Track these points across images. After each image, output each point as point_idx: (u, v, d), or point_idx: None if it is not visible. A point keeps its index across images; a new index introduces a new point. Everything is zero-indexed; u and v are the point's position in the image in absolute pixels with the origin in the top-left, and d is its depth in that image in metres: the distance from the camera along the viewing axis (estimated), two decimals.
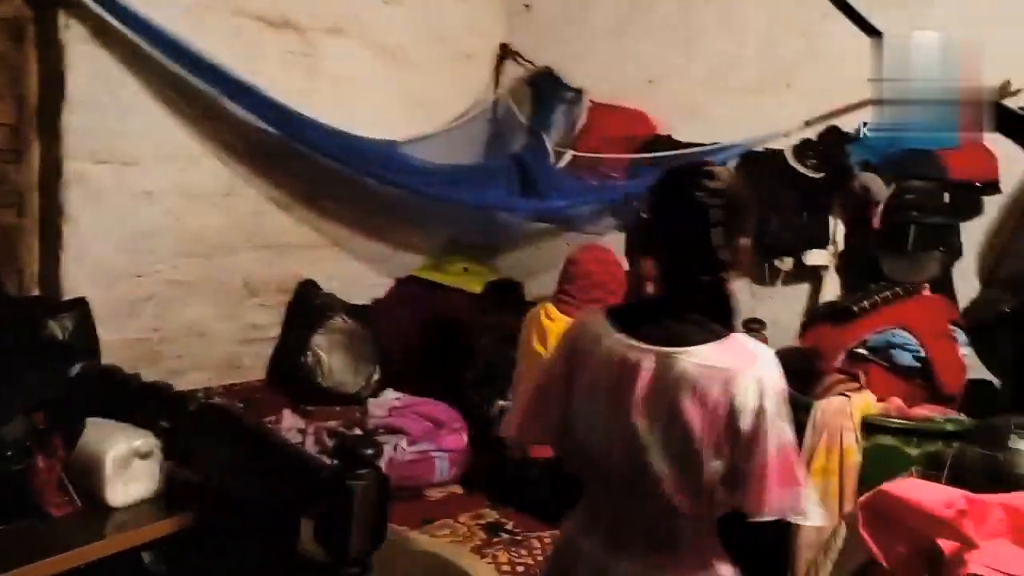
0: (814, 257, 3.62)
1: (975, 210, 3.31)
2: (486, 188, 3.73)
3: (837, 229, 3.56)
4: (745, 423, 1.39)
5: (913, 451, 2.94)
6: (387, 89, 3.95)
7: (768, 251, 3.66)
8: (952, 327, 3.09)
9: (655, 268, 1.61)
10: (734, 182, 1.49)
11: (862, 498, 1.88)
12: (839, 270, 3.62)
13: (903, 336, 3.03)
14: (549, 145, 4.02)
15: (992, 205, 3.30)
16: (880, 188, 3.35)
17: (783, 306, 3.82)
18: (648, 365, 1.43)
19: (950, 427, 2.95)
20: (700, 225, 1.42)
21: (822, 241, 3.59)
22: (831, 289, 3.63)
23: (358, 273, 4.01)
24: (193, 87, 3.17)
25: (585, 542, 1.55)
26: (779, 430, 1.41)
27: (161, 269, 3.26)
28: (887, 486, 1.87)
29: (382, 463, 2.77)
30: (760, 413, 1.39)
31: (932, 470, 2.71)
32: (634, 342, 1.46)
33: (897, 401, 2.91)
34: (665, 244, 1.51)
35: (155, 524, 1.88)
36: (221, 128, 3.34)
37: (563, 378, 1.56)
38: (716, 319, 1.46)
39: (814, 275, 3.70)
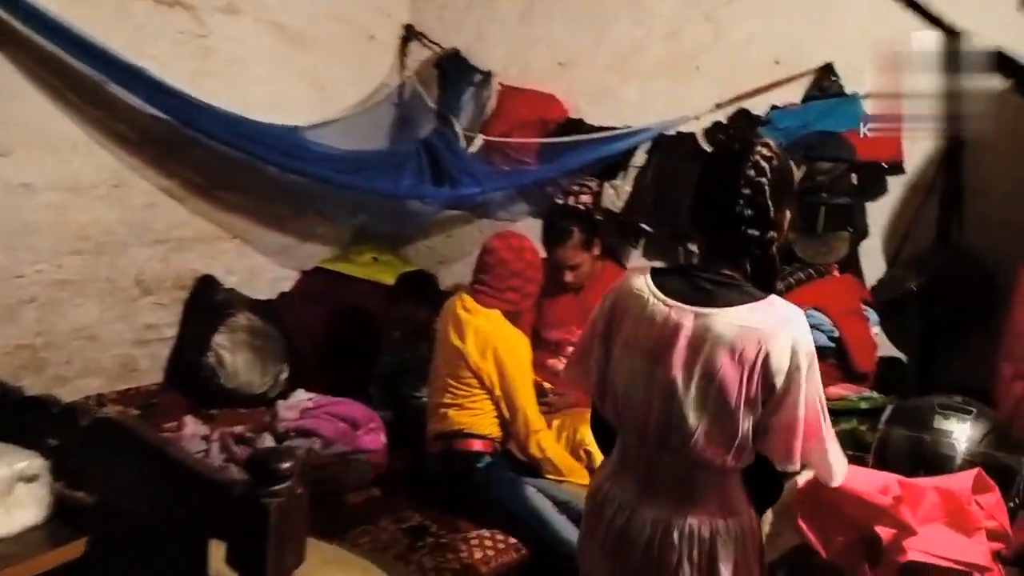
0: None
1: (880, 190, 3.36)
2: (394, 175, 3.59)
3: None
4: (779, 381, 1.48)
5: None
6: (286, 71, 3.75)
7: (682, 236, 3.64)
8: (863, 306, 3.13)
9: (700, 237, 1.67)
10: (783, 155, 1.58)
11: (798, 487, 1.86)
12: None
13: (817, 316, 3.05)
14: (459, 129, 3.90)
15: (897, 185, 3.35)
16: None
17: None
18: (688, 324, 1.51)
19: (864, 405, 3.00)
20: (752, 197, 1.51)
21: None
22: None
23: (261, 266, 3.82)
24: (76, 71, 2.93)
25: (616, 489, 1.65)
26: (812, 387, 1.51)
27: (43, 269, 3.02)
28: None
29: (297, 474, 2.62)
30: (793, 371, 1.48)
31: (851, 450, 2.76)
32: (675, 302, 1.54)
33: None
34: (715, 215, 1.57)
35: (45, 554, 1.69)
36: (108, 115, 3.11)
37: (603, 336, 1.65)
38: (759, 284, 1.56)
39: None
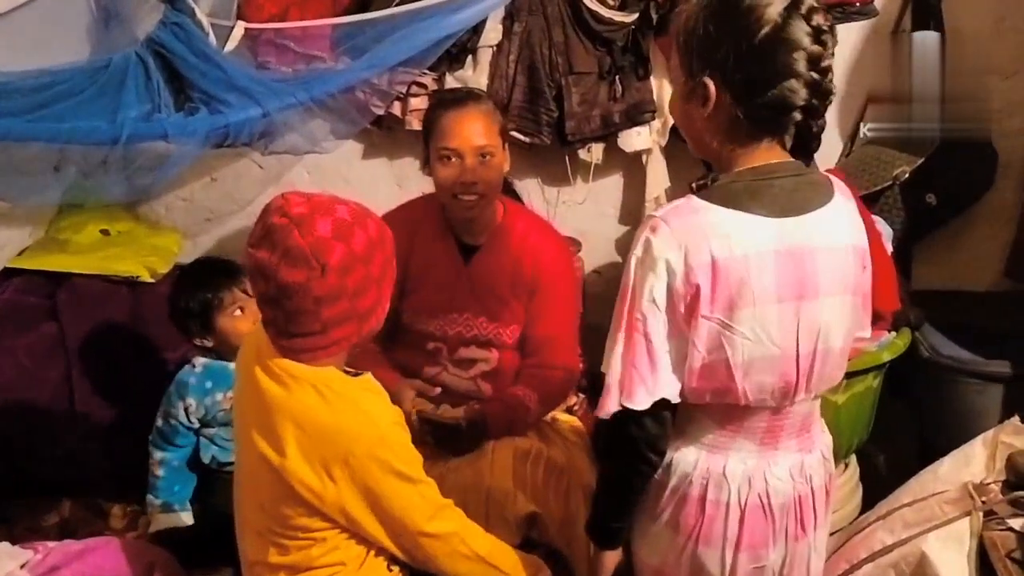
0: (633, 139, 2.55)
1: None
2: (107, 106, 2.15)
3: (662, 94, 2.49)
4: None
5: (840, 398, 2.12)
6: None
7: (567, 139, 2.53)
8: (873, 217, 2.22)
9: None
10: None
11: None
12: (668, 152, 2.58)
13: None
14: (202, 17, 2.42)
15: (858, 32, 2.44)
16: None
17: (596, 212, 2.75)
18: (809, 240, 1.27)
19: (887, 356, 2.15)
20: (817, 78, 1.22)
21: (643, 115, 2.51)
22: (658, 181, 2.60)
23: None
24: None
25: (727, 467, 1.34)
26: None
27: None
28: None
29: None
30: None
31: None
32: (776, 219, 1.25)
33: None
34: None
35: None
36: None
37: (690, 313, 1.26)
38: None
39: (634, 164, 2.65)
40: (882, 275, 2.12)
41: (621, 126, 2.52)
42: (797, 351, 1.28)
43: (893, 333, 2.21)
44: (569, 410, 2.43)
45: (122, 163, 2.49)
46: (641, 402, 1.25)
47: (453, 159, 1.93)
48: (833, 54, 1.22)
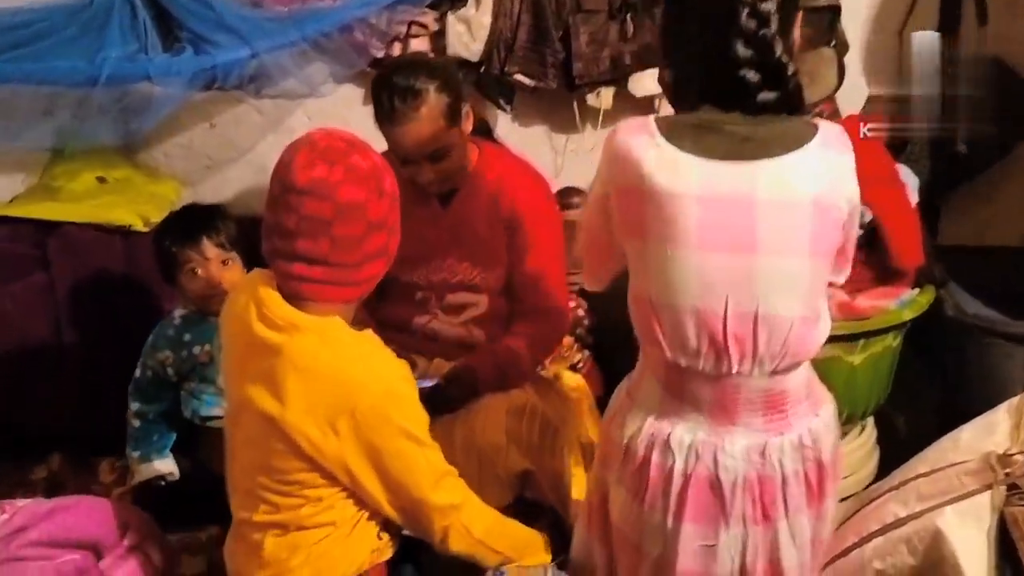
0: (646, 83, 2.41)
1: None
2: (89, 44, 2.06)
3: None
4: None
5: (857, 358, 2.01)
6: None
7: (575, 83, 2.40)
8: (897, 166, 2.08)
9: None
10: None
11: None
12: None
13: None
14: None
15: None
16: None
17: None
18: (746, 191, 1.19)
19: (908, 314, 2.03)
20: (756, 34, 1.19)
21: (655, 57, 2.34)
22: None
23: None
24: None
25: (674, 431, 1.29)
26: None
27: None
28: None
29: None
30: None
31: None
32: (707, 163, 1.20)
33: (840, 295, 1.91)
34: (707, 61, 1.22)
35: None
36: None
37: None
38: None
39: (646, 110, 2.50)
40: (906, 228, 2.01)
41: (632, 68, 2.39)
42: (725, 311, 1.20)
43: (916, 290, 2.09)
44: (573, 367, 2.34)
45: (112, 106, 2.40)
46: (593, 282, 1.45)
47: (409, 163, 1.86)
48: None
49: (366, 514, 1.42)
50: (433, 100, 1.80)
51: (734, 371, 1.23)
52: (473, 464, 1.74)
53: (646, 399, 1.33)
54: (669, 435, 1.28)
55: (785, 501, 1.29)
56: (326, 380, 1.29)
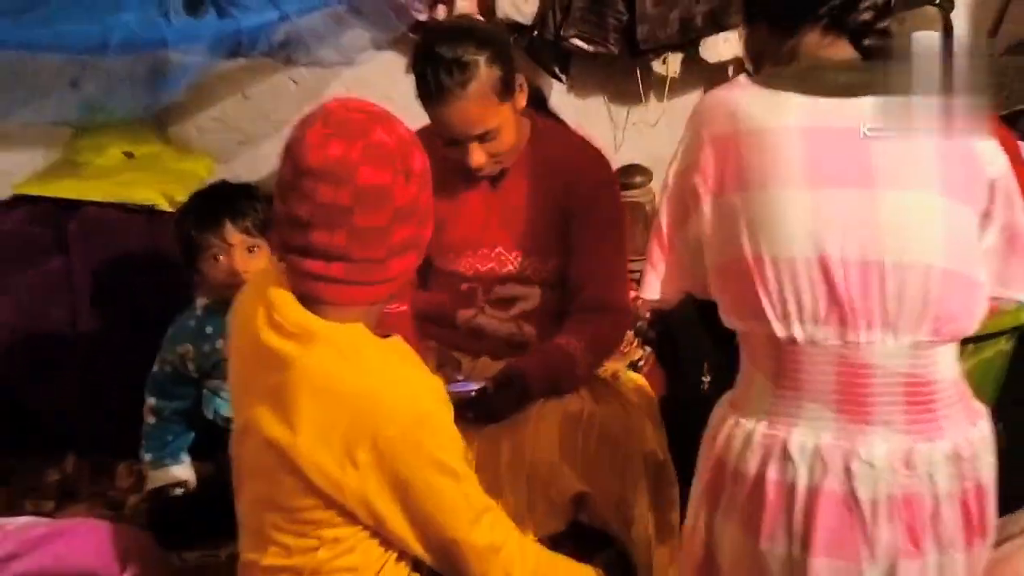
0: (719, 48, 2.18)
1: None
2: (104, 8, 1.87)
3: None
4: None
5: (967, 363, 1.75)
6: None
7: (639, 48, 2.18)
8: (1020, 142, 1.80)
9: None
10: None
11: None
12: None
13: None
14: None
15: None
16: None
17: (671, 136, 2.36)
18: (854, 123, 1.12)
19: None
20: None
21: (730, 18, 2.16)
22: None
23: None
24: None
25: (793, 435, 1.09)
26: None
27: None
28: None
29: None
30: None
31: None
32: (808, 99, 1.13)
33: None
34: None
35: None
36: None
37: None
38: None
39: (718, 78, 2.25)
40: None
41: (704, 32, 2.19)
42: (846, 258, 1.06)
43: None
44: (633, 365, 2.11)
45: (141, 76, 2.25)
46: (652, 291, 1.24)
47: (455, 144, 1.67)
48: None
49: (393, 556, 1.21)
50: (484, 74, 1.60)
51: (862, 340, 1.06)
52: (521, 484, 1.55)
53: (754, 403, 1.14)
54: (786, 441, 1.09)
55: (936, 531, 1.08)
56: (344, 401, 1.10)
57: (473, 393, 1.62)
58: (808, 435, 1.08)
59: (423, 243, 1.18)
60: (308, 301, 1.12)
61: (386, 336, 1.18)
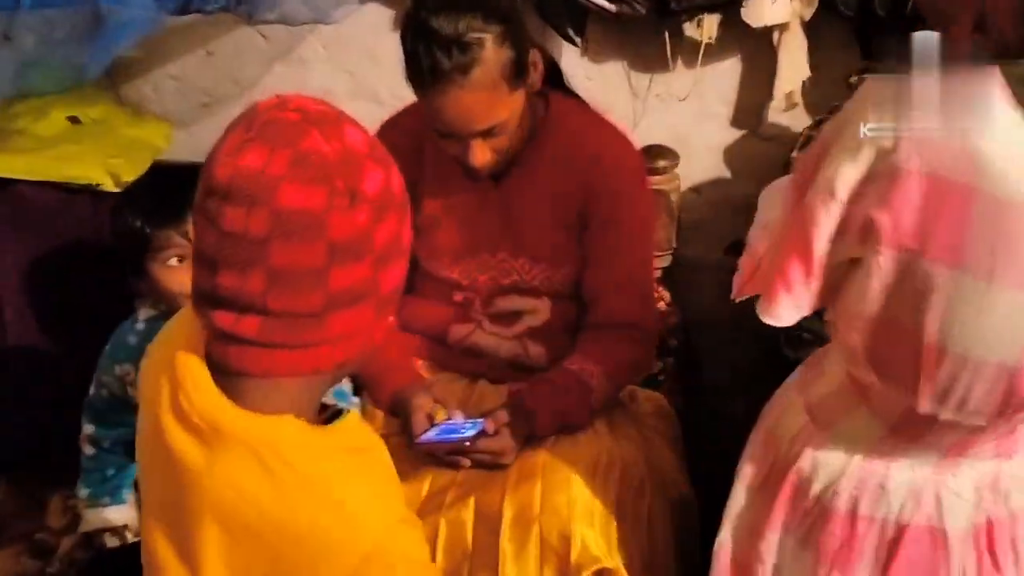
0: (764, 9, 1.85)
1: None
2: None
3: None
4: None
5: None
6: None
7: (669, 8, 1.86)
8: None
9: None
10: None
11: None
12: (811, 29, 1.88)
13: None
14: None
15: None
16: None
17: (700, 111, 2.07)
18: None
19: None
20: None
21: None
22: (795, 69, 1.92)
23: None
24: None
25: (890, 472, 1.02)
26: None
27: None
28: None
29: None
30: None
31: None
32: None
33: None
34: None
35: None
36: None
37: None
38: None
39: (762, 45, 1.96)
40: None
41: None
42: None
43: None
44: (653, 380, 1.84)
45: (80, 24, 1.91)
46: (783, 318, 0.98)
47: (452, 138, 1.38)
48: None
49: None
50: (491, 57, 1.29)
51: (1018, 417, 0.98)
52: (528, 558, 1.28)
53: (853, 433, 1.04)
54: (884, 478, 1.02)
55: (1014, 545, 1.03)
56: (263, 538, 0.78)
57: (468, 444, 1.34)
58: (905, 471, 1.02)
59: (388, 292, 0.84)
60: (224, 374, 0.80)
61: (334, 415, 0.87)
